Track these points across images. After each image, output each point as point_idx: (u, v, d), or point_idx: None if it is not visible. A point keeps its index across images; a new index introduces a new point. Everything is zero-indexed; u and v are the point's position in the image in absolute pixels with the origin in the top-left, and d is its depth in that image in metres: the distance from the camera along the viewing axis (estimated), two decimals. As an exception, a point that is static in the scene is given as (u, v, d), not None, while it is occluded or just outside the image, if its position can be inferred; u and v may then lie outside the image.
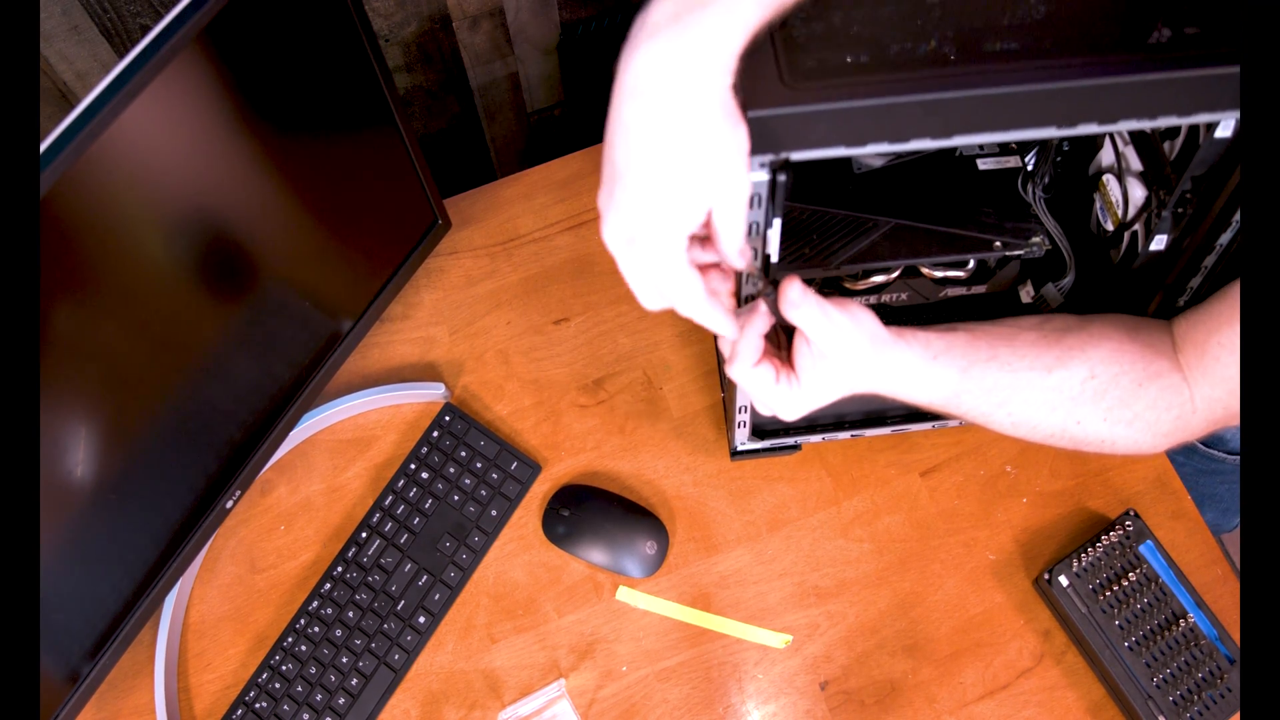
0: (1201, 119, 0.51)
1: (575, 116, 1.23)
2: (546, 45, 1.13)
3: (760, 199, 0.54)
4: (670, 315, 0.94)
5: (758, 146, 0.49)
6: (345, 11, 0.68)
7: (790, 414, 0.61)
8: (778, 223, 0.57)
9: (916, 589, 0.82)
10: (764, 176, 0.52)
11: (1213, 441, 0.85)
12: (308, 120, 0.70)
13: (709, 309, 0.55)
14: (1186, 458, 0.88)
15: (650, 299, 0.54)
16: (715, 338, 0.92)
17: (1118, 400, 0.60)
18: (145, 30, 0.63)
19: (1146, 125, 0.50)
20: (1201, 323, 0.59)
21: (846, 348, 0.56)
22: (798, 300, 0.55)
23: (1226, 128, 0.55)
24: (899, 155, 0.73)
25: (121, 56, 0.56)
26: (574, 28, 1.11)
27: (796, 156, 0.50)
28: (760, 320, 0.57)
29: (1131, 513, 0.80)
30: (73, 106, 0.55)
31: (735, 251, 0.53)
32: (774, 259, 0.61)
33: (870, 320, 0.58)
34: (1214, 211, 0.60)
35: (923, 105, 0.47)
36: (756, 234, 0.57)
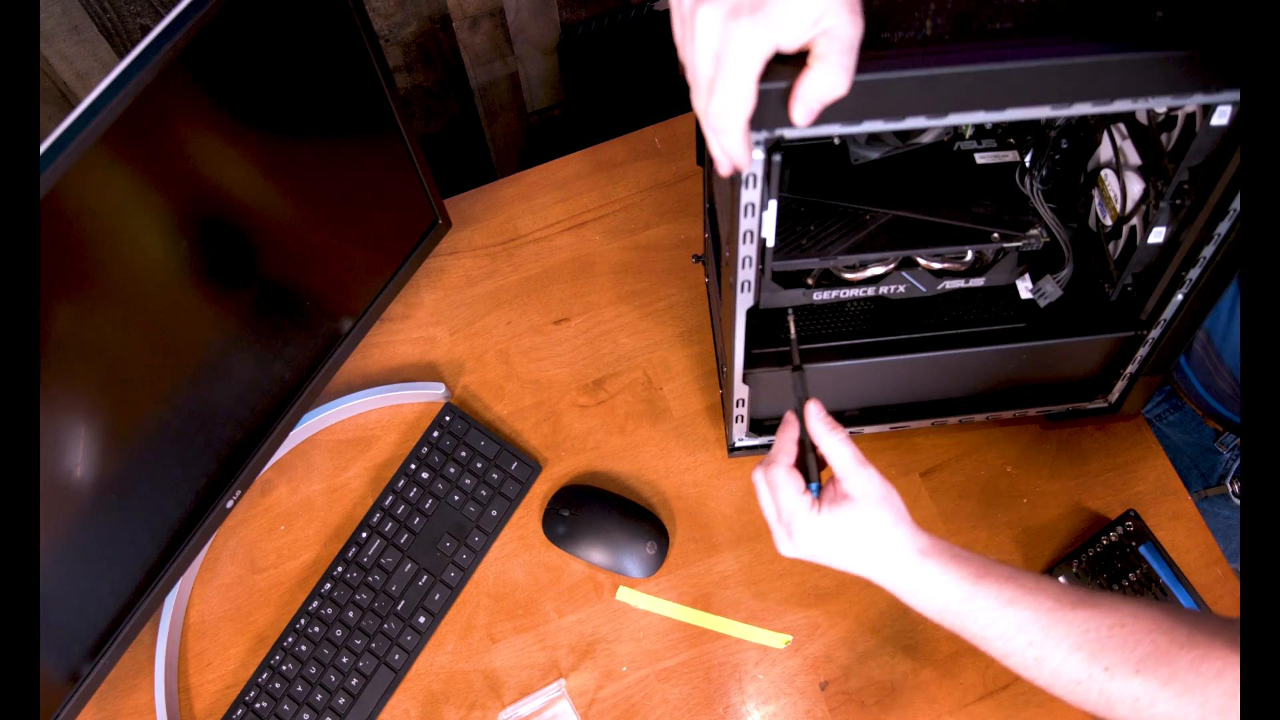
0: (1198, 100, 0.51)
1: (575, 116, 1.23)
2: (546, 45, 1.13)
3: (755, 179, 0.54)
4: (671, 316, 0.94)
5: (754, 123, 0.49)
6: (345, 12, 0.68)
7: (794, 539, 0.61)
8: (773, 205, 0.58)
9: (916, 589, 0.82)
10: (760, 156, 0.53)
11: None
12: (308, 120, 0.70)
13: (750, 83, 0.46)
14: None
15: (704, 57, 0.46)
16: (719, 367, 0.92)
17: (1151, 654, 0.52)
18: (145, 30, 0.63)
19: (1142, 106, 0.50)
20: None
21: (876, 499, 0.59)
22: (822, 430, 0.60)
23: (1223, 115, 0.55)
24: (896, 146, 0.73)
25: (121, 56, 0.56)
26: (574, 28, 1.11)
27: (791, 134, 0.50)
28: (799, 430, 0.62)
29: (1131, 513, 0.80)
30: (73, 106, 0.55)
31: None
32: (770, 243, 0.61)
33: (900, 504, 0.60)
34: (1212, 201, 0.60)
35: (918, 81, 0.47)
36: (752, 215, 0.57)
